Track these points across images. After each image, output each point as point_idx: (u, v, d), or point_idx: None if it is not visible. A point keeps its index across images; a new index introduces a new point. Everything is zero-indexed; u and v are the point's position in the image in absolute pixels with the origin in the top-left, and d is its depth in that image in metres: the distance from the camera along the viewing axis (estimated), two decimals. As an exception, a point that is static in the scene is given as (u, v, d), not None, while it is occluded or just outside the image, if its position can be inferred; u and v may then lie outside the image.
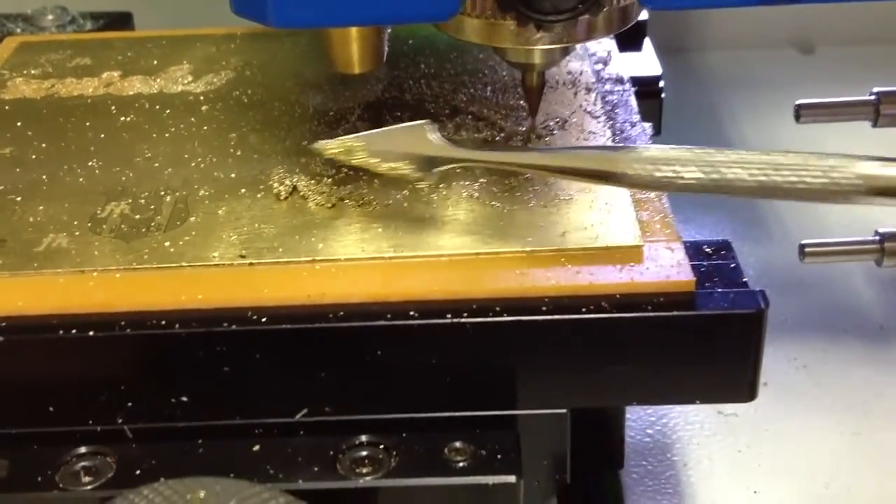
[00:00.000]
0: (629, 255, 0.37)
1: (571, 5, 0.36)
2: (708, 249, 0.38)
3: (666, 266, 0.36)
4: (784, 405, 0.49)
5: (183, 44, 0.54)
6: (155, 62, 0.52)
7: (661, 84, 0.52)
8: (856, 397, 0.49)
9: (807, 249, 0.47)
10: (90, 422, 0.36)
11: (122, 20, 0.62)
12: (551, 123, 0.45)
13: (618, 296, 0.35)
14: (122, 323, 0.35)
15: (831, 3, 0.46)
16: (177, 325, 0.35)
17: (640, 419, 0.48)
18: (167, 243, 0.38)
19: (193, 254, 0.37)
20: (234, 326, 0.35)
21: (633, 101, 0.47)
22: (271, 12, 0.37)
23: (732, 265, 0.38)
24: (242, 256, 0.37)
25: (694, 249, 0.38)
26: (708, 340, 0.35)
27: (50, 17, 0.62)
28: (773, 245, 0.58)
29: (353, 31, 0.42)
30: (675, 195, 0.38)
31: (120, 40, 0.55)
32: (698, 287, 0.36)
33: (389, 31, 0.44)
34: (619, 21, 0.40)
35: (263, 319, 0.35)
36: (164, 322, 0.35)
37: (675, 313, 0.35)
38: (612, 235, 0.37)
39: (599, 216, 0.38)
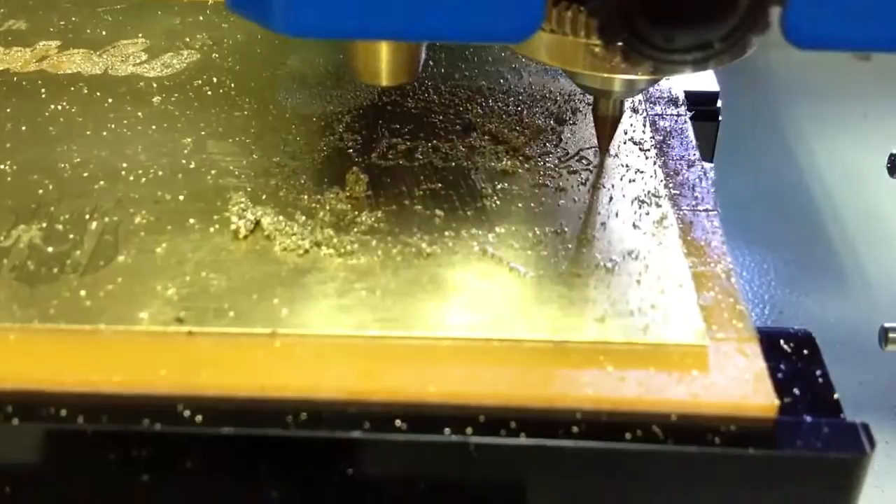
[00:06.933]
0: (689, 357, 0.28)
1: (709, 40, 0.27)
2: (786, 346, 0.30)
3: (740, 378, 0.27)
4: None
5: (141, 11, 0.44)
6: (104, 32, 0.43)
7: (719, 104, 0.43)
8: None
9: (891, 335, 0.38)
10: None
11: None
12: (588, 155, 0.36)
13: (674, 417, 0.26)
14: (10, 408, 0.26)
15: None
16: (81, 418, 0.26)
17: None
18: (83, 293, 0.29)
19: (115, 312, 0.28)
20: (158, 425, 0.26)
21: (691, 131, 0.38)
22: (279, 14, 0.27)
23: (819, 372, 0.29)
24: (180, 320, 0.28)
25: (767, 344, 0.29)
26: (787, 488, 0.26)
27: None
28: (839, 291, 0.49)
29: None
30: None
31: (65, 0, 0.46)
32: (781, 411, 0.27)
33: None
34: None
35: (199, 418, 0.26)
36: (64, 411, 0.26)
37: (750, 451, 0.26)
38: (668, 327, 0.28)
39: (650, 295, 0.29)
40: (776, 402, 0.27)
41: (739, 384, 0.27)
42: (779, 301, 0.42)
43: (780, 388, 0.28)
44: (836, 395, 0.28)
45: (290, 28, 0.27)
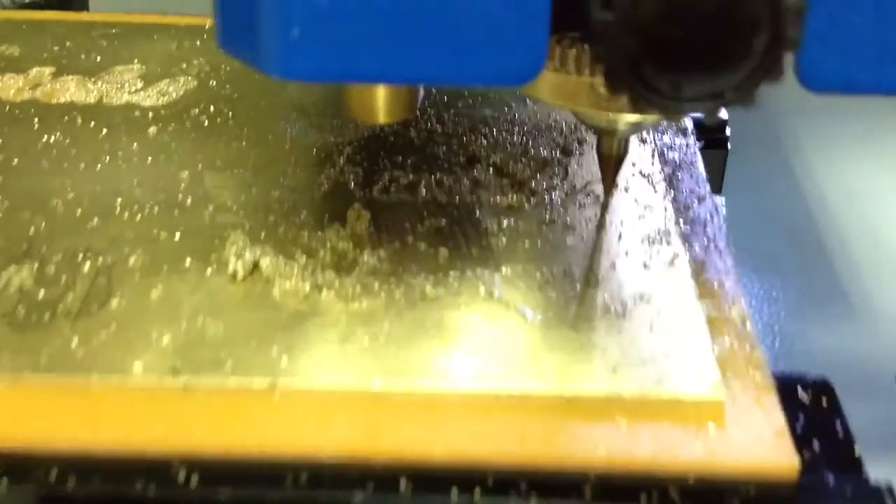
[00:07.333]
0: (706, 412, 0.27)
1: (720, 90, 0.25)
2: (804, 394, 0.29)
3: (759, 435, 0.26)
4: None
5: (137, 35, 0.43)
6: (98, 58, 0.42)
7: (728, 132, 0.42)
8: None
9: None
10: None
11: (72, -2, 0.52)
12: (596, 188, 0.35)
13: (691, 480, 0.25)
14: (-2, 469, 0.25)
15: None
16: (72, 481, 0.25)
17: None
18: (75, 340, 0.28)
19: (108, 361, 0.27)
20: (151, 488, 0.25)
21: (701, 163, 0.37)
22: (273, 57, 0.26)
23: (839, 423, 0.28)
24: (175, 371, 0.27)
25: (784, 393, 0.28)
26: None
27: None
28: (851, 320, 0.47)
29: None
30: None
31: (59, 24, 0.45)
32: (801, 469, 0.26)
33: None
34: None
35: (194, 480, 0.25)
36: (55, 472, 0.25)
37: (772, 515, 0.25)
38: (683, 378, 0.27)
39: (663, 343, 0.28)
40: (797, 461, 0.25)
41: (759, 442, 0.26)
42: (789, 332, 0.41)
43: (799, 442, 0.27)
44: (857, 453, 0.27)
45: (284, 71, 0.26)
